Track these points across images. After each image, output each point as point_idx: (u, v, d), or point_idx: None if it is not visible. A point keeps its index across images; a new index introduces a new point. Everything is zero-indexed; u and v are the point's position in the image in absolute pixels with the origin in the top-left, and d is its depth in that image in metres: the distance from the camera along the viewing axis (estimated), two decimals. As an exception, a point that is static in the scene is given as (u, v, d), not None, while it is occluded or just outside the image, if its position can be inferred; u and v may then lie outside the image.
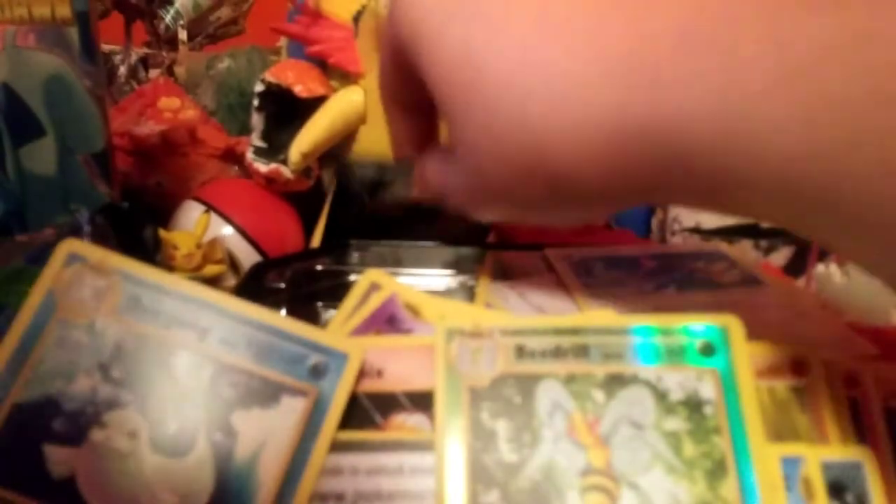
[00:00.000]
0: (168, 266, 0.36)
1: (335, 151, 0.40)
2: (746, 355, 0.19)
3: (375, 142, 0.39)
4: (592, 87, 0.18)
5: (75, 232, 0.32)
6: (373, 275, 0.23)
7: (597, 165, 0.18)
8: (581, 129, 0.18)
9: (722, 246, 0.28)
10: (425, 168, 0.25)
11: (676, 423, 0.18)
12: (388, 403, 0.20)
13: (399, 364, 0.20)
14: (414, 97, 0.24)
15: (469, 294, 0.29)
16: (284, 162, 0.40)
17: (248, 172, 0.43)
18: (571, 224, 0.23)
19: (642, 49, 0.17)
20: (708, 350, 0.19)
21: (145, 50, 0.76)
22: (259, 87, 0.40)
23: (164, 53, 0.75)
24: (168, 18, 0.78)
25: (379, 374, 0.20)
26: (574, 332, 0.19)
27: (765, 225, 0.42)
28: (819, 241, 0.18)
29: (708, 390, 0.18)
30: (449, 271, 0.31)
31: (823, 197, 0.15)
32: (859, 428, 0.18)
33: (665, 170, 0.17)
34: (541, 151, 0.18)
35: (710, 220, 0.43)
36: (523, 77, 0.18)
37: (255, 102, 0.40)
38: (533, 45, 0.18)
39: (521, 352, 0.19)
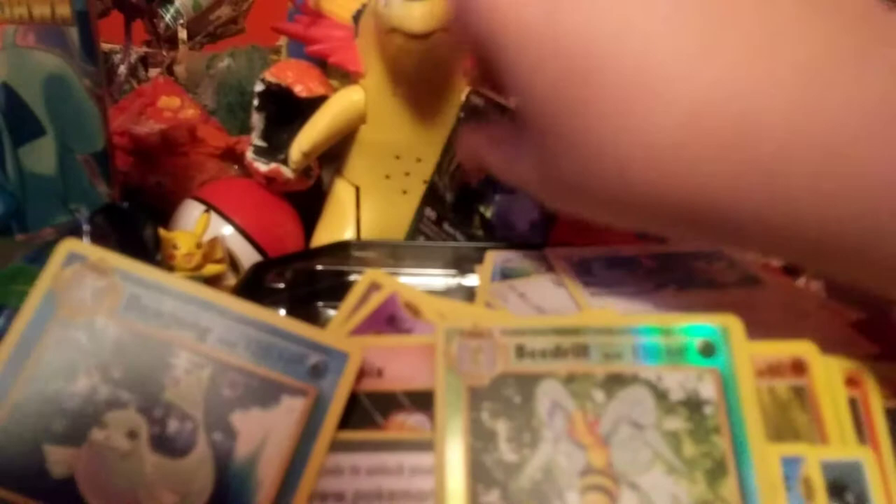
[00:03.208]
0: (168, 266, 0.36)
1: (335, 151, 0.40)
2: (746, 355, 0.19)
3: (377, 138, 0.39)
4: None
5: (75, 232, 0.32)
6: (373, 275, 0.23)
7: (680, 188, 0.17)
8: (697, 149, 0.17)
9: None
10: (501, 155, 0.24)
11: (676, 423, 0.18)
12: (388, 403, 0.20)
13: (399, 364, 0.20)
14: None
15: (469, 294, 0.29)
16: (284, 161, 0.40)
17: (248, 172, 0.43)
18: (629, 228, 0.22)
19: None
20: (708, 350, 0.19)
21: (145, 49, 0.76)
22: (259, 87, 0.40)
23: (164, 52, 0.75)
24: (168, 17, 0.78)
25: (379, 373, 0.20)
26: (574, 332, 0.19)
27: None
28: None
29: (708, 390, 0.18)
30: (449, 271, 0.31)
31: None
32: (859, 428, 0.18)
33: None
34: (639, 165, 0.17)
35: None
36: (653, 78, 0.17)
37: (255, 102, 0.40)
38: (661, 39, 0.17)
39: (521, 352, 0.19)
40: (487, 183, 0.34)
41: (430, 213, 0.37)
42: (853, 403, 0.19)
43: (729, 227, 0.18)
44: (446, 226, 0.36)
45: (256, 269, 0.32)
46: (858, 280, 0.18)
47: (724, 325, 0.19)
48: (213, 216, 0.40)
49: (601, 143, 0.18)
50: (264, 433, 0.19)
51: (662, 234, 0.21)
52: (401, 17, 0.33)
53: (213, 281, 0.38)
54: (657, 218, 0.19)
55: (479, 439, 0.18)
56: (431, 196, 0.37)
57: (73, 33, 0.33)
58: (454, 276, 0.31)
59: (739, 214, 0.17)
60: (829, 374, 0.19)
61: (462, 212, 0.35)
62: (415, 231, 0.38)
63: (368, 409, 0.20)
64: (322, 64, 0.41)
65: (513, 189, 0.33)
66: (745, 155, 0.16)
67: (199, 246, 0.37)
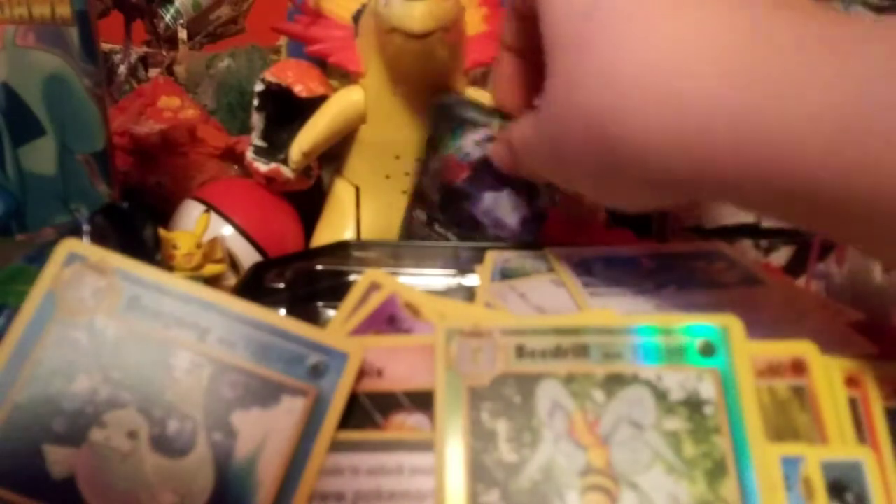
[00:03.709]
0: (168, 266, 0.36)
1: (335, 151, 0.40)
2: (746, 355, 0.19)
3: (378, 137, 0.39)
4: (707, 80, 0.19)
5: (75, 232, 0.32)
6: (373, 275, 0.23)
7: (680, 152, 0.19)
8: (679, 116, 0.19)
9: (722, 246, 0.28)
10: (513, 126, 0.27)
11: (676, 423, 0.18)
12: (388, 403, 0.20)
13: (399, 364, 0.20)
14: (526, 42, 0.27)
15: (469, 294, 0.29)
16: (284, 161, 0.40)
17: (248, 172, 0.43)
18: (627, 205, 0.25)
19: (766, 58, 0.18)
20: (708, 350, 0.19)
21: (145, 49, 0.76)
22: (259, 87, 0.40)
23: (164, 52, 0.75)
24: (168, 17, 0.78)
25: (379, 373, 0.20)
26: (574, 332, 0.19)
27: (765, 224, 0.42)
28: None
29: (708, 390, 0.18)
30: (449, 271, 0.31)
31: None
32: (859, 428, 0.18)
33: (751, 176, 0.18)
34: (625, 122, 0.20)
35: (711, 219, 0.43)
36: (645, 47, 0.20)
37: (255, 102, 0.40)
38: (662, 19, 0.20)
39: (521, 352, 0.19)
40: (473, 181, 0.34)
41: (419, 214, 0.37)
42: (853, 403, 0.19)
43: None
44: (437, 227, 0.36)
45: (256, 269, 0.32)
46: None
47: (724, 325, 0.19)
48: (213, 216, 0.39)
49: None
50: (264, 433, 0.19)
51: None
52: (401, 16, 0.33)
53: (213, 281, 0.38)
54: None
55: (479, 439, 0.18)
56: (419, 197, 0.37)
57: (73, 33, 0.33)
58: (454, 276, 0.31)
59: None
60: (829, 374, 0.19)
61: (450, 211, 0.35)
62: (406, 234, 0.38)
63: (368, 409, 0.20)
64: (322, 64, 0.41)
65: (500, 186, 0.33)
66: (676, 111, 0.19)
67: (199, 246, 0.37)
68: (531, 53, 0.28)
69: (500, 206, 0.34)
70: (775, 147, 0.17)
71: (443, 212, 0.35)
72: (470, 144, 0.33)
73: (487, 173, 0.33)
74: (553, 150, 0.24)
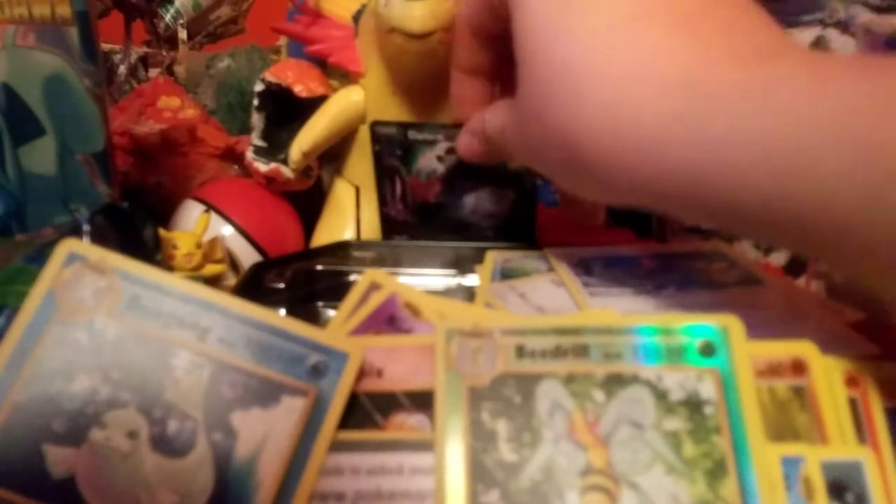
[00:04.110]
0: (168, 266, 0.36)
1: (335, 151, 0.40)
2: (746, 355, 0.19)
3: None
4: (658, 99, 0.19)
5: (75, 232, 0.32)
6: (373, 275, 0.23)
7: (627, 165, 0.20)
8: (630, 130, 0.20)
9: (722, 246, 0.28)
10: (486, 116, 0.28)
11: (676, 423, 0.18)
12: (388, 403, 0.20)
13: (399, 364, 0.20)
14: (481, 60, 0.28)
15: (469, 294, 0.29)
16: (284, 161, 0.40)
17: (248, 172, 0.43)
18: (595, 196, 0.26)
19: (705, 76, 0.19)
20: (708, 350, 0.19)
21: (145, 49, 0.76)
22: (259, 87, 0.40)
23: (164, 52, 0.75)
24: (168, 17, 0.78)
25: (379, 373, 0.20)
26: (574, 332, 0.19)
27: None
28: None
29: (708, 390, 0.18)
30: (449, 271, 0.31)
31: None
32: (859, 428, 0.18)
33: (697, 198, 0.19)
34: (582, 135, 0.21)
35: (710, 219, 0.43)
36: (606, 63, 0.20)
37: (255, 102, 0.40)
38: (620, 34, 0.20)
39: (521, 352, 0.19)
40: (448, 192, 0.34)
41: (399, 239, 0.36)
42: (853, 403, 0.19)
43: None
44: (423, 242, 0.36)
45: (256, 269, 0.32)
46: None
47: (724, 325, 0.19)
48: (213, 216, 0.39)
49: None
50: (264, 433, 0.19)
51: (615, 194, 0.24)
52: (400, 17, 0.33)
53: (213, 281, 0.38)
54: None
55: (479, 439, 0.18)
56: (392, 224, 0.36)
57: (73, 33, 0.33)
58: (454, 276, 0.31)
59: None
60: (829, 374, 0.19)
61: (432, 226, 0.35)
62: (346, 255, 0.37)
63: (368, 409, 0.20)
64: (322, 64, 0.41)
65: (479, 185, 0.33)
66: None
67: (199, 246, 0.37)
68: (486, 69, 0.29)
69: (486, 202, 0.34)
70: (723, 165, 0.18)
71: (425, 228, 0.35)
72: (431, 163, 0.33)
73: (461, 179, 0.33)
74: (525, 141, 0.24)
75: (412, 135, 0.34)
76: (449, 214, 0.34)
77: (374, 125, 0.35)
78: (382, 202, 0.36)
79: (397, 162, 0.34)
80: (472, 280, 0.30)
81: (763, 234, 0.20)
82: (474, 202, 0.34)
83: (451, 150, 0.33)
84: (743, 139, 0.18)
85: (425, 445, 0.19)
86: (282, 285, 0.31)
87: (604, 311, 0.23)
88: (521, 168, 0.33)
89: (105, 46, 0.68)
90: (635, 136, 0.20)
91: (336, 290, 0.27)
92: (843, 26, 0.40)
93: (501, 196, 0.34)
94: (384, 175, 0.35)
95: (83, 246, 0.21)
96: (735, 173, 0.18)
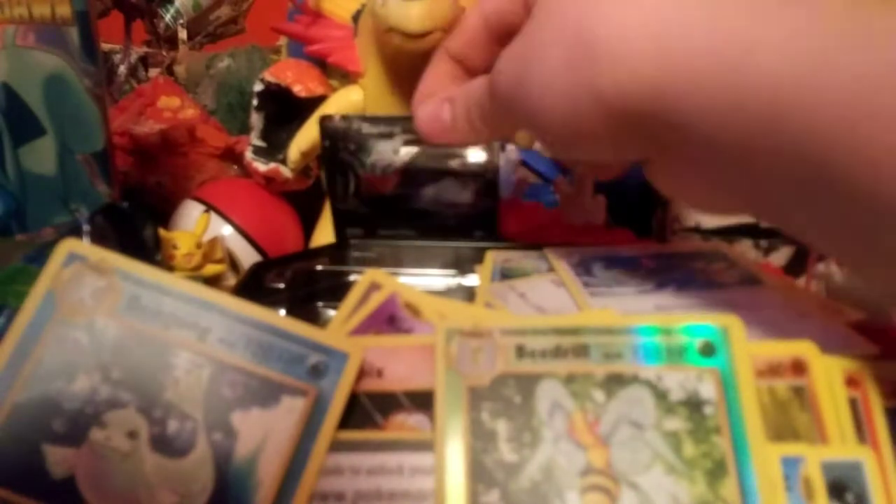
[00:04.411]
0: (168, 266, 0.36)
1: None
2: (746, 355, 0.19)
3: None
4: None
5: (75, 232, 0.32)
6: (373, 275, 0.23)
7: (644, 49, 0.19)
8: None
9: (722, 246, 0.28)
10: (465, 86, 0.27)
11: (676, 423, 0.18)
12: (388, 403, 0.20)
13: (399, 364, 0.20)
14: (506, 27, 0.26)
15: (469, 294, 0.29)
16: (283, 161, 0.40)
17: (247, 172, 0.43)
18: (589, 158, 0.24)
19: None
20: (708, 350, 0.19)
21: (145, 49, 0.76)
22: (258, 87, 0.40)
23: (164, 52, 0.75)
24: (168, 17, 0.79)
25: (379, 373, 0.20)
26: (574, 332, 0.19)
27: (765, 225, 0.42)
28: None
29: (708, 390, 0.18)
30: (449, 271, 0.31)
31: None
32: (859, 428, 0.18)
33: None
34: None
35: (711, 219, 0.43)
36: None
37: (255, 102, 0.41)
38: None
39: (521, 352, 0.19)
40: (405, 185, 0.33)
41: (354, 231, 0.35)
42: (853, 403, 0.19)
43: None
44: (382, 231, 0.35)
45: (256, 269, 0.32)
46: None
47: (724, 325, 0.19)
48: (213, 216, 0.40)
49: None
50: (264, 433, 0.19)
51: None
52: (398, 16, 0.33)
53: (213, 281, 0.38)
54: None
55: (479, 439, 0.18)
56: (344, 221, 0.35)
57: (73, 33, 0.34)
58: (454, 276, 0.31)
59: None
60: (829, 374, 0.19)
61: (390, 217, 0.34)
62: (346, 255, 0.36)
63: (368, 409, 0.20)
64: (322, 64, 0.41)
65: (438, 177, 0.32)
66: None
67: (199, 246, 0.37)
68: (474, 64, 0.28)
69: (446, 191, 0.33)
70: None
71: (382, 219, 0.34)
72: (386, 156, 0.33)
73: (419, 172, 0.32)
74: (519, 83, 0.23)
75: (366, 129, 0.33)
76: (408, 206, 0.33)
77: (323, 120, 0.34)
78: (333, 197, 0.35)
79: (349, 157, 0.33)
80: (472, 280, 0.30)
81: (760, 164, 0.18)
82: (434, 193, 0.33)
83: (409, 142, 0.32)
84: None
85: (425, 445, 0.19)
86: (282, 285, 0.31)
87: (604, 311, 0.23)
88: (484, 159, 0.32)
89: (105, 46, 0.68)
90: (658, 20, 0.19)
91: (336, 290, 0.27)
92: None
93: (462, 187, 0.33)
94: (335, 171, 0.34)
95: (83, 246, 0.21)
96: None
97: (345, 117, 0.34)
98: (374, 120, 0.33)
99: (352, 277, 0.31)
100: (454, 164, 0.32)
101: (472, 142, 0.30)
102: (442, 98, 0.28)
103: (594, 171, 0.28)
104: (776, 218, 0.20)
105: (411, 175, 0.33)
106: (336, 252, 0.34)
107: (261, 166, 0.41)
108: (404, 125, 0.32)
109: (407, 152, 0.32)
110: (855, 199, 0.16)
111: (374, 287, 0.23)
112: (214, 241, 0.38)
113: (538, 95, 0.22)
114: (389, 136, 0.32)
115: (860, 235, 0.17)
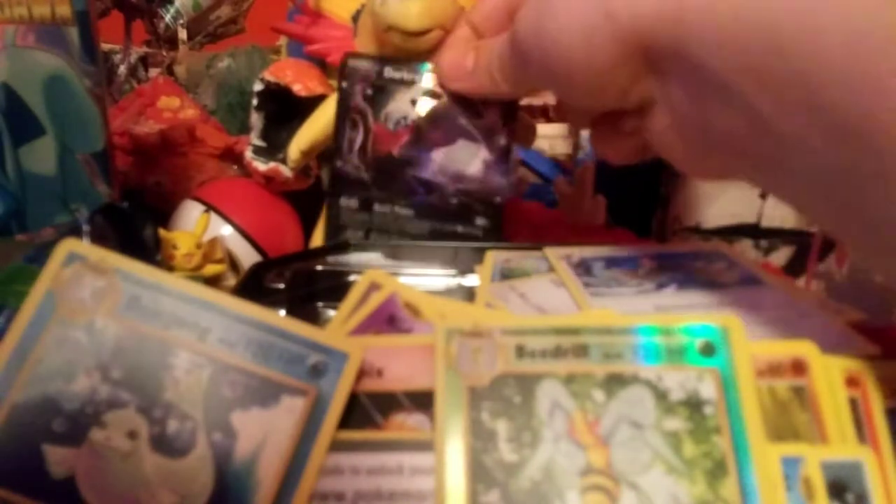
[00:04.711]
0: (168, 266, 0.36)
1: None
2: (746, 355, 0.19)
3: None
4: None
5: (75, 232, 0.32)
6: (373, 275, 0.23)
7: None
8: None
9: (722, 246, 0.28)
10: (490, 39, 0.28)
11: (677, 423, 0.18)
12: (388, 403, 0.20)
13: (399, 364, 0.20)
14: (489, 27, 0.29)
15: (469, 294, 0.29)
16: (283, 161, 0.40)
17: (247, 172, 0.43)
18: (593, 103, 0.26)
19: None
20: (708, 350, 0.19)
21: (145, 49, 0.76)
22: (258, 86, 0.40)
23: (164, 52, 0.75)
24: (168, 17, 0.79)
25: (379, 373, 0.20)
26: (574, 332, 0.19)
27: (765, 225, 0.42)
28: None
29: (708, 390, 0.18)
30: (449, 271, 0.31)
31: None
32: (859, 428, 0.18)
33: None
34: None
35: (711, 219, 0.43)
36: None
37: (255, 101, 0.41)
38: None
39: (521, 352, 0.19)
40: (415, 144, 0.32)
41: (349, 202, 0.34)
42: (853, 403, 0.19)
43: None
44: (377, 207, 0.34)
45: (256, 269, 0.32)
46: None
47: (724, 325, 0.19)
48: (213, 216, 0.40)
49: None
50: (264, 433, 0.19)
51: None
52: (397, 15, 0.33)
53: (213, 281, 0.38)
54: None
55: (479, 439, 0.18)
56: (341, 185, 0.34)
57: (73, 33, 0.34)
58: (454, 276, 0.31)
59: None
60: (829, 374, 0.19)
61: (392, 186, 0.33)
62: (336, 228, 0.35)
63: (368, 409, 0.20)
64: (321, 63, 0.41)
65: (452, 138, 0.32)
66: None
67: (199, 246, 0.37)
68: (485, 35, 0.29)
69: (456, 159, 0.32)
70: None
71: (382, 189, 0.33)
72: (403, 107, 0.32)
73: (433, 129, 0.31)
74: (539, 25, 0.24)
75: (388, 72, 0.32)
76: (412, 173, 0.32)
77: (347, 57, 0.33)
78: (337, 154, 0.34)
79: (364, 103, 0.32)
80: (472, 280, 0.30)
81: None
82: (442, 159, 0.32)
83: (430, 93, 0.31)
84: None
85: (425, 445, 0.19)
86: (282, 285, 0.31)
87: (604, 311, 0.23)
88: (496, 123, 0.32)
89: (105, 46, 0.68)
90: None
91: (336, 290, 0.27)
92: None
93: (473, 154, 0.32)
94: (346, 119, 0.33)
95: (83, 246, 0.21)
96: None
97: (370, 56, 0.33)
98: (397, 63, 0.32)
99: (352, 277, 0.31)
100: (469, 123, 0.31)
101: (488, 93, 0.30)
102: (467, 46, 0.29)
103: (606, 152, 0.28)
104: (769, 173, 0.21)
105: (423, 134, 0.32)
106: (336, 252, 0.34)
107: (261, 166, 0.41)
108: (428, 76, 0.32)
109: (424, 106, 0.32)
110: (858, 134, 0.16)
111: (373, 287, 0.23)
112: (214, 242, 0.38)
113: (556, 33, 0.23)
114: (411, 83, 0.32)
115: (857, 187, 0.17)
